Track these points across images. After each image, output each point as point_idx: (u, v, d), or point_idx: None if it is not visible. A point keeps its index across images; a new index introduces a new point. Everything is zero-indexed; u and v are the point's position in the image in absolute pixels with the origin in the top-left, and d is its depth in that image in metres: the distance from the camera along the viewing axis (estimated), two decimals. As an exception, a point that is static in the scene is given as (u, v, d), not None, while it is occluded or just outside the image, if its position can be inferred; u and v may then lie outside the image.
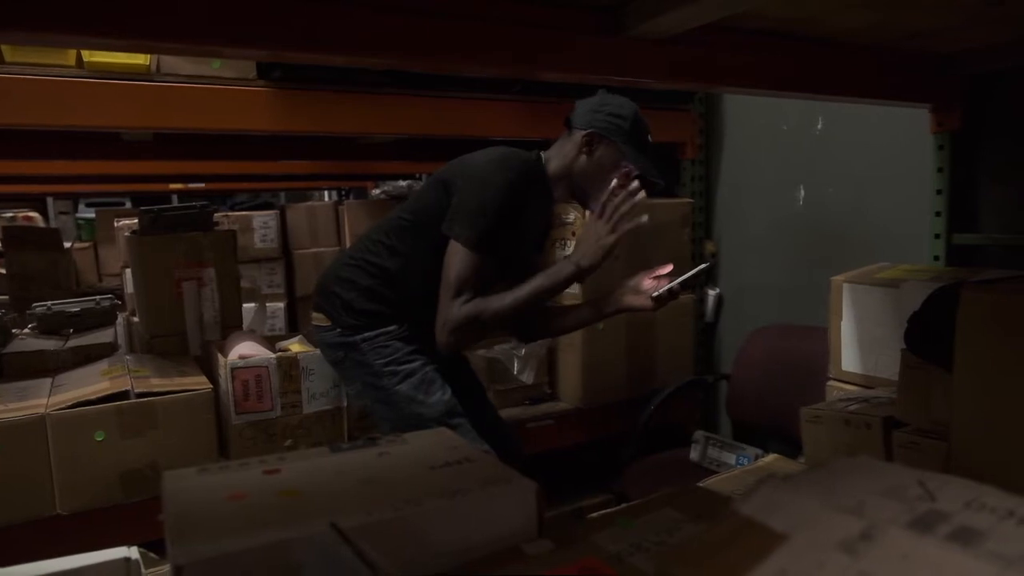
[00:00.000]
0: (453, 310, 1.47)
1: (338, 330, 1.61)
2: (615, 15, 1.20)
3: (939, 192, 1.82)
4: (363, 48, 1.09)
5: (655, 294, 1.58)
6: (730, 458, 2.08)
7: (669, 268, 1.61)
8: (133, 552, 0.86)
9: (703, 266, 1.60)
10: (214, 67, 1.77)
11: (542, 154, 1.65)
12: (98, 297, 2.51)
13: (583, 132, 1.57)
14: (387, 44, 1.10)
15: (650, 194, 1.61)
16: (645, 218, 1.48)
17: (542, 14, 1.17)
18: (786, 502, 0.50)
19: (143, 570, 0.84)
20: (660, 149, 2.62)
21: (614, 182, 1.49)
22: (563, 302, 2.05)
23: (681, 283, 1.57)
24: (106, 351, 2.14)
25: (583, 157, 1.58)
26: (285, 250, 3.59)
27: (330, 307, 1.63)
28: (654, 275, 1.62)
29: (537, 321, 1.81)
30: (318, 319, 1.68)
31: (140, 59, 1.70)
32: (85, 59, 1.65)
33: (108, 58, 1.66)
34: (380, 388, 1.58)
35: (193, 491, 0.76)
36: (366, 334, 1.57)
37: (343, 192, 5.70)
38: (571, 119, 1.62)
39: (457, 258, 1.47)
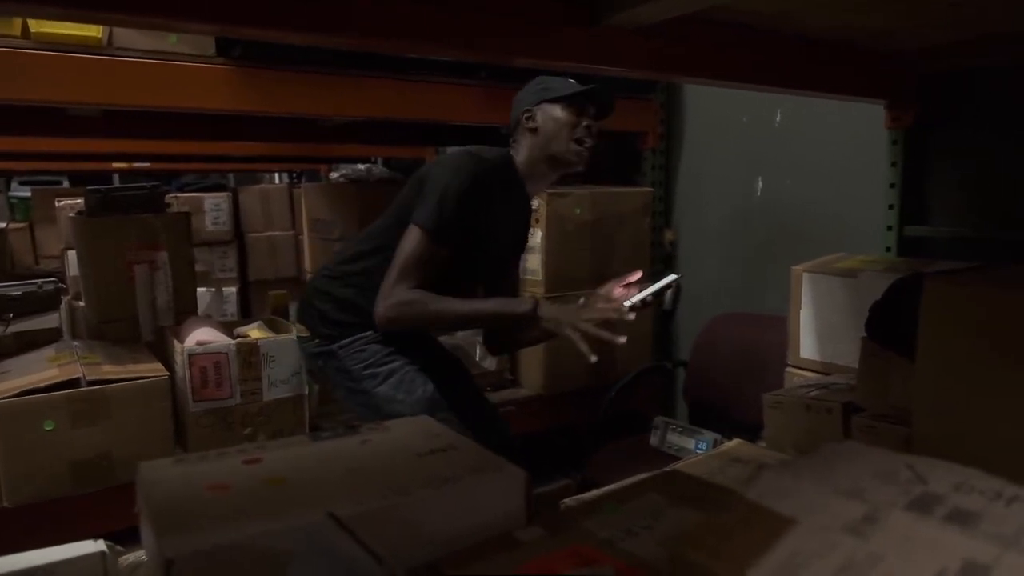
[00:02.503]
0: (396, 290, 1.47)
1: (316, 340, 1.63)
2: (591, 4, 1.19)
3: (892, 186, 1.88)
4: (328, 28, 1.06)
5: (627, 304, 1.58)
6: (689, 443, 2.13)
7: (639, 275, 1.62)
8: (99, 545, 0.83)
9: (674, 277, 1.61)
10: (171, 42, 1.70)
11: (512, 153, 1.67)
12: (40, 280, 2.39)
13: (520, 119, 1.63)
14: (354, 25, 1.07)
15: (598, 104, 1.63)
16: (622, 339, 1.47)
17: (517, 2, 1.15)
18: (789, 488, 0.51)
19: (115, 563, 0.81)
20: (622, 138, 2.67)
21: (613, 288, 1.55)
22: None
23: (653, 293, 1.58)
24: (52, 336, 2.06)
25: (534, 133, 1.62)
26: (238, 233, 3.50)
27: (308, 319, 1.66)
28: (624, 283, 1.62)
29: (507, 335, 1.81)
30: (300, 330, 1.71)
31: (92, 31, 1.61)
32: (32, 29, 1.56)
33: (57, 28, 1.58)
34: (361, 392, 1.57)
35: (172, 482, 0.74)
36: (342, 341, 1.58)
37: (295, 175, 5.57)
38: (510, 128, 1.69)
39: (411, 239, 1.49)
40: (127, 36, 1.65)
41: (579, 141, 1.61)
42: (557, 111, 1.60)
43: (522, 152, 1.65)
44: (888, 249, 1.89)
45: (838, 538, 0.44)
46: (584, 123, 1.61)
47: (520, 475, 0.76)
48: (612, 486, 0.89)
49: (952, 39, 1.51)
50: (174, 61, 1.72)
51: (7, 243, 4.04)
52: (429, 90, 2.06)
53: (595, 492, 0.87)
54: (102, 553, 0.70)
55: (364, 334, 1.56)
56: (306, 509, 0.66)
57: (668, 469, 1.02)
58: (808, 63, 1.56)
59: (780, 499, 0.49)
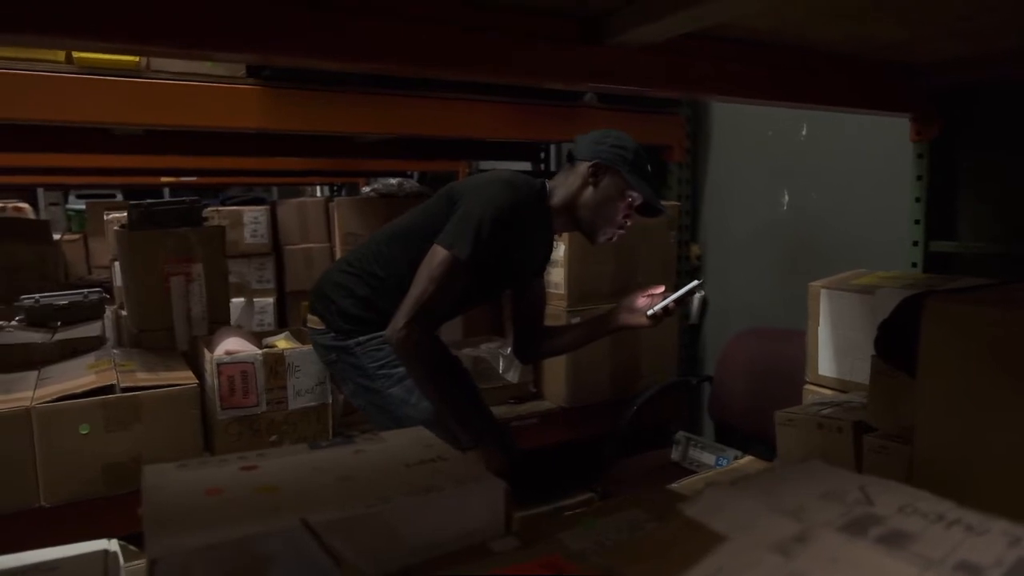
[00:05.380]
0: (418, 316, 1.45)
1: (332, 334, 1.63)
2: (597, 23, 1.22)
3: (918, 200, 1.85)
4: (349, 53, 1.11)
5: (650, 312, 1.59)
6: (710, 459, 2.11)
7: (661, 289, 1.63)
8: (113, 544, 0.88)
9: (695, 283, 1.62)
10: (209, 65, 1.78)
11: (547, 184, 1.65)
12: (86, 290, 2.51)
13: (588, 163, 1.57)
14: (371, 49, 1.11)
15: (652, 217, 1.65)
16: None
17: (525, 22, 1.19)
18: (729, 504, 0.52)
19: (122, 562, 0.86)
20: (649, 152, 2.67)
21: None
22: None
23: (675, 300, 1.59)
24: (93, 344, 2.15)
25: (589, 188, 1.58)
26: (275, 245, 3.60)
27: (325, 311, 1.65)
28: (647, 294, 1.63)
29: (534, 342, 1.84)
30: (313, 322, 1.70)
31: (129, 56, 1.71)
32: (74, 55, 1.66)
33: (97, 55, 1.67)
34: (373, 391, 1.59)
35: (172, 486, 0.78)
36: (359, 338, 1.58)
37: (335, 188, 5.71)
38: (573, 152, 1.62)
39: (439, 261, 1.46)
40: (162, 60, 1.74)
41: (620, 226, 1.61)
42: (618, 191, 1.57)
43: (564, 192, 1.61)
44: (914, 265, 1.86)
45: (764, 556, 0.45)
46: (627, 218, 1.60)
47: (500, 487, 0.78)
48: (603, 501, 0.91)
49: (973, 52, 1.48)
50: (207, 83, 1.80)
51: (61, 254, 4.24)
52: (453, 107, 2.11)
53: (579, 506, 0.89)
54: (104, 552, 0.75)
55: (382, 333, 1.55)
56: (290, 515, 0.69)
57: (662, 487, 1.03)
58: (822, 77, 1.55)
59: (718, 515, 0.50)
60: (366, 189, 3.65)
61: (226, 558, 0.63)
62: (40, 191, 6.21)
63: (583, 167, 1.58)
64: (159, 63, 1.74)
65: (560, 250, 2.34)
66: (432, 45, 1.14)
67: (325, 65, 1.34)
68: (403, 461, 0.86)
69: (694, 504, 0.52)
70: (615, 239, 1.64)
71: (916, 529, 0.48)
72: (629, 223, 1.62)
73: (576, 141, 1.63)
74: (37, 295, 2.41)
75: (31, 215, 5.50)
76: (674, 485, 1.18)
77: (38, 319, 2.35)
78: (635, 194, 1.57)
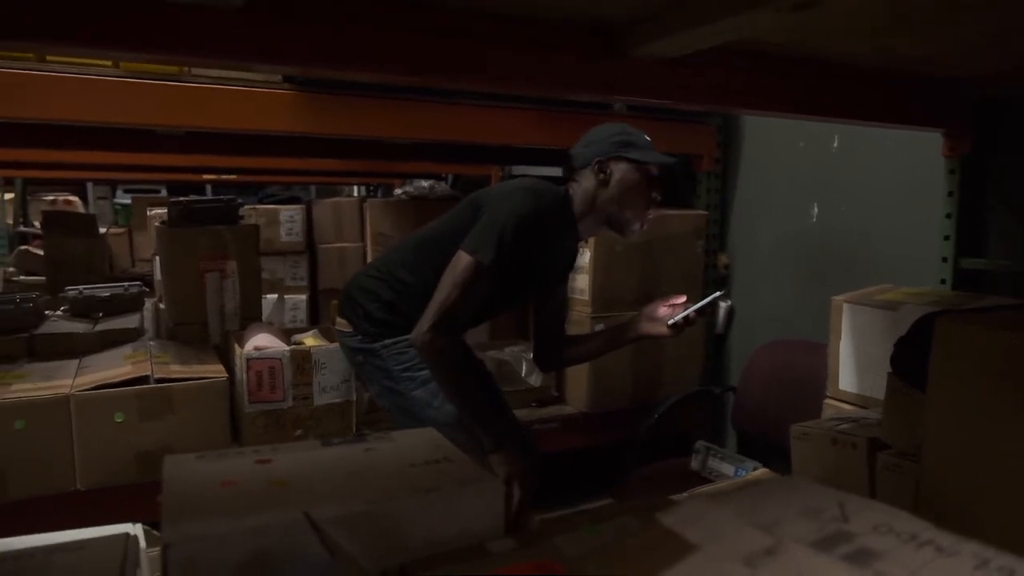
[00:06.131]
0: (444, 319, 1.47)
1: (359, 336, 1.65)
2: (617, 36, 1.23)
3: (948, 216, 1.82)
4: (376, 64, 1.15)
5: (671, 321, 1.60)
6: (729, 469, 2.10)
7: (683, 299, 1.62)
8: (137, 529, 0.93)
9: (717, 293, 1.61)
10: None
11: (569, 191, 1.65)
12: (127, 284, 2.61)
13: (591, 163, 1.59)
14: (396, 60, 1.15)
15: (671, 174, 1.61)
16: None
17: (546, 35, 1.21)
18: (707, 516, 0.54)
19: (144, 546, 0.91)
20: (679, 160, 2.67)
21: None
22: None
23: (697, 310, 1.58)
24: (132, 336, 2.24)
25: (603, 185, 1.59)
26: (310, 244, 3.68)
27: (352, 314, 1.68)
28: (668, 303, 1.63)
29: (555, 351, 1.85)
30: (341, 324, 1.73)
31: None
32: (121, 62, 1.74)
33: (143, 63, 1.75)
34: (398, 393, 1.62)
35: (190, 476, 0.82)
36: (386, 341, 1.61)
37: (371, 189, 5.80)
38: (572, 162, 1.64)
39: (463, 266, 1.48)
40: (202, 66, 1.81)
41: (648, 208, 1.60)
42: (632, 173, 1.57)
43: (582, 196, 1.61)
44: (943, 281, 1.83)
45: (732, 568, 0.47)
46: (654, 194, 1.59)
47: (499, 488, 0.80)
48: (601, 508, 0.93)
49: (1001, 67, 1.46)
50: (244, 87, 1.87)
51: (107, 246, 4.39)
52: (481, 114, 2.14)
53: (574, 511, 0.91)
54: (125, 535, 0.79)
55: (407, 336, 1.56)
56: (296, 508, 0.73)
57: (663, 497, 1.04)
58: (850, 91, 1.54)
59: (693, 526, 0.52)
60: (398, 191, 3.72)
61: (233, 546, 0.67)
62: (89, 185, 6.44)
63: (588, 170, 1.60)
64: (199, 69, 1.81)
65: (585, 257, 2.36)
66: (458, 57, 1.18)
67: (353, 76, 1.38)
68: (409, 461, 0.89)
69: (674, 513, 0.54)
70: (646, 226, 1.63)
71: (885, 548, 0.49)
72: (657, 197, 1.60)
73: (572, 155, 1.65)
74: (81, 287, 2.51)
75: (80, 208, 5.71)
76: (683, 495, 1.19)
77: (82, 310, 2.45)
78: (650, 166, 1.57)
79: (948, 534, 0.51)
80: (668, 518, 0.53)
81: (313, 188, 6.53)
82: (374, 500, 0.77)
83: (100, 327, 2.26)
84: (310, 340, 2.13)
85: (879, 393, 1.55)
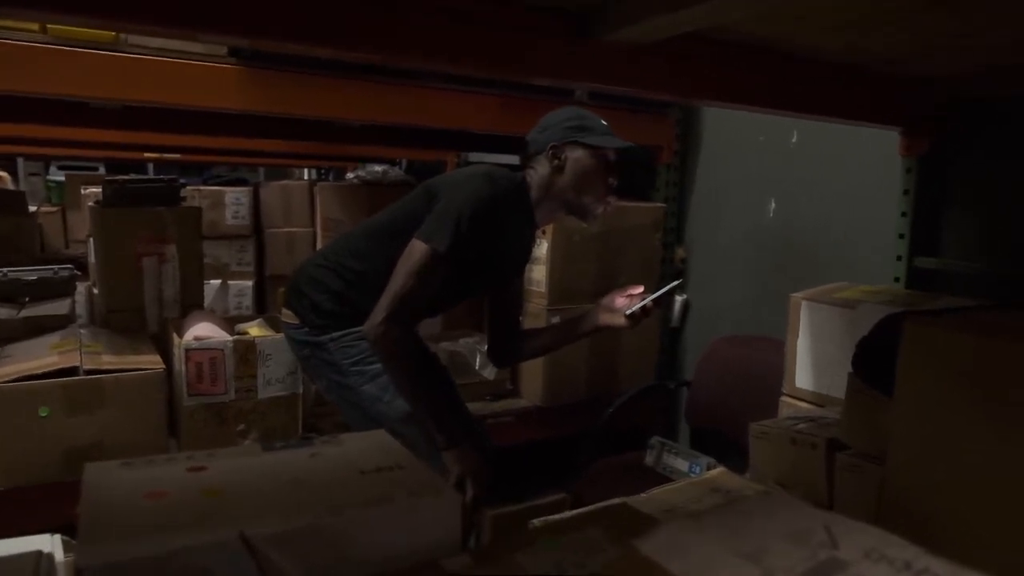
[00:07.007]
0: (399, 311, 1.43)
1: (306, 329, 1.59)
2: (587, 20, 1.18)
3: (904, 214, 1.83)
4: (338, 41, 1.07)
5: (629, 312, 1.57)
6: (683, 465, 2.10)
7: (640, 289, 1.61)
8: (54, 542, 0.84)
9: (675, 283, 1.60)
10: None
11: (526, 176, 1.62)
12: (57, 267, 2.45)
13: (546, 149, 1.56)
14: (359, 39, 1.07)
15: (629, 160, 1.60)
16: None
17: (514, 17, 1.15)
18: (689, 544, 0.50)
19: (61, 558, 0.83)
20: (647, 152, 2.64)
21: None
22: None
23: (654, 300, 1.56)
24: (61, 323, 2.10)
25: (558, 171, 1.56)
26: (257, 228, 3.55)
27: (298, 306, 1.61)
28: (626, 294, 1.61)
29: (510, 345, 1.80)
30: (287, 316, 1.66)
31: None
32: (49, 25, 1.60)
33: (73, 26, 1.62)
34: (346, 387, 1.56)
35: (113, 486, 0.74)
36: (333, 334, 1.55)
37: (322, 172, 5.64)
38: (528, 148, 1.62)
39: (418, 255, 1.43)
40: (140, 35, 1.68)
41: (608, 193, 1.57)
42: (588, 159, 1.55)
43: (538, 183, 1.59)
44: (896, 279, 1.84)
45: (720, 606, 0.43)
46: (611, 180, 1.57)
47: (456, 500, 0.75)
48: (560, 518, 0.88)
49: (968, 68, 1.46)
50: (186, 60, 1.75)
51: (38, 226, 4.15)
52: (439, 97, 2.07)
53: (536, 521, 0.86)
54: (39, 553, 0.71)
55: (356, 328, 1.52)
56: (231, 525, 0.66)
57: (624, 499, 1.00)
58: (815, 86, 1.52)
59: (675, 556, 0.48)
60: (349, 175, 3.60)
61: (159, 570, 0.60)
62: (20, 160, 6.09)
63: (542, 157, 1.58)
64: (136, 38, 1.68)
65: (543, 248, 2.31)
66: (423, 37, 1.11)
67: (317, 53, 1.29)
68: (359, 468, 0.82)
69: (652, 539, 0.50)
70: (607, 210, 1.60)
71: (880, 578, 0.45)
72: (614, 182, 1.58)
73: (528, 141, 1.62)
74: (6, 269, 2.34)
75: (10, 185, 5.39)
76: (642, 496, 1.15)
77: (5, 294, 2.28)
78: (606, 150, 1.55)
79: (943, 561, 0.48)
80: (646, 545, 0.48)
81: (261, 170, 6.31)
82: (319, 514, 0.71)
83: (25, 312, 2.11)
84: (255, 330, 2.03)
85: (836, 392, 1.55)
